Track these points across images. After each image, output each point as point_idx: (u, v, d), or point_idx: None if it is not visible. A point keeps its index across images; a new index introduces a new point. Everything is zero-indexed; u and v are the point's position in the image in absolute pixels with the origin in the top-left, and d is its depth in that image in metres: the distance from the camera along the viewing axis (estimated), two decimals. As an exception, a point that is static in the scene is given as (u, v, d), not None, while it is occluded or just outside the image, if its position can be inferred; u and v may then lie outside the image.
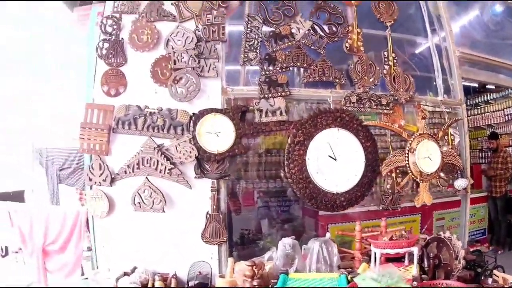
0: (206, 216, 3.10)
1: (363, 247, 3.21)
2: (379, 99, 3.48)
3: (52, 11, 4.59)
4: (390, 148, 3.61)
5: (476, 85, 7.66)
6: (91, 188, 3.18)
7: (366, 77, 3.51)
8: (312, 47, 3.42)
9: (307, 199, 3.22)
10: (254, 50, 3.28)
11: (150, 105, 3.14)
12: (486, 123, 8.39)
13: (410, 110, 3.76)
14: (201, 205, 3.13)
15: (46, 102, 4.27)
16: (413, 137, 3.48)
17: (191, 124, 3.10)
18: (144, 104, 3.14)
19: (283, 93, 3.22)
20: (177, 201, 3.14)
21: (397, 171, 3.53)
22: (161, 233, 3.13)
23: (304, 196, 3.21)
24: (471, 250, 4.29)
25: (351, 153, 3.30)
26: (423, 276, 2.64)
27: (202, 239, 3.10)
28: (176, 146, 3.07)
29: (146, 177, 3.07)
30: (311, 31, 3.42)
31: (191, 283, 2.97)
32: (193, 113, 3.12)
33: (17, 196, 4.17)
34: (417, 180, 3.51)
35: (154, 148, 3.07)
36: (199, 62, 3.16)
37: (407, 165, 3.46)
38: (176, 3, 3.29)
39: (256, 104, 3.18)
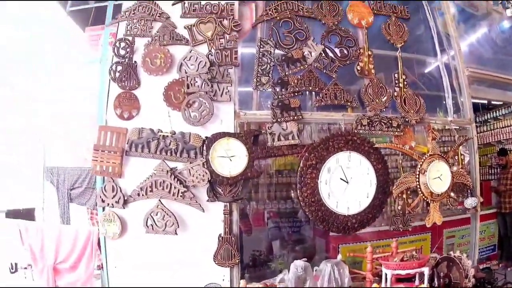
0: (219, 239, 3.12)
1: (374, 268, 3.21)
2: (390, 121, 3.49)
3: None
4: (401, 168, 3.61)
5: (485, 101, 7.64)
6: (103, 210, 3.20)
7: (377, 100, 3.52)
8: (324, 71, 3.44)
9: (319, 222, 3.23)
10: (267, 75, 3.31)
11: (163, 129, 3.16)
12: (496, 139, 8.33)
13: (420, 130, 3.78)
14: (214, 228, 3.14)
15: (57, 122, 4.31)
16: (424, 158, 3.49)
17: (204, 148, 3.13)
18: (157, 127, 3.17)
19: (295, 117, 3.24)
20: (189, 224, 3.16)
21: (408, 192, 3.53)
22: (173, 255, 3.14)
23: (316, 218, 3.22)
24: (481, 267, 4.28)
25: (363, 175, 3.32)
26: (433, 295, 2.65)
27: (215, 261, 3.11)
28: (189, 169, 3.09)
29: (159, 200, 3.09)
30: (323, 55, 3.45)
31: (203, 306, 2.97)
32: (206, 137, 3.15)
33: (28, 214, 4.19)
34: (427, 200, 3.51)
35: (167, 172, 3.09)
36: (212, 86, 3.19)
37: (418, 186, 3.47)
38: (189, 26, 3.33)
39: (269, 128, 3.20)
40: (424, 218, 3.60)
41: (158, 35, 3.34)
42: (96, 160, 3.18)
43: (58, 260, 3.51)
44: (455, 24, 4.26)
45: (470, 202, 3.85)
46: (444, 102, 4.13)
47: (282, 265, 3.60)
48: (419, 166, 3.47)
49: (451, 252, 3.18)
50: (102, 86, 3.42)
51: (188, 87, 3.18)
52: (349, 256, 3.58)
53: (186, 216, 3.14)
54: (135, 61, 3.31)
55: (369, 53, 3.59)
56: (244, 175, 3.12)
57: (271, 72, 3.33)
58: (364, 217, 3.32)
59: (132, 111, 3.25)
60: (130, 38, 3.36)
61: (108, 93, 3.32)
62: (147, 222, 3.09)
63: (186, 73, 3.23)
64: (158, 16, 3.40)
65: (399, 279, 2.96)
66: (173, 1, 3.44)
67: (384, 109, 3.56)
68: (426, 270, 2.78)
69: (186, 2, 3.43)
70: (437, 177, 3.50)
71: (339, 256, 3.36)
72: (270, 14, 3.49)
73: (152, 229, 3.08)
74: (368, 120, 3.44)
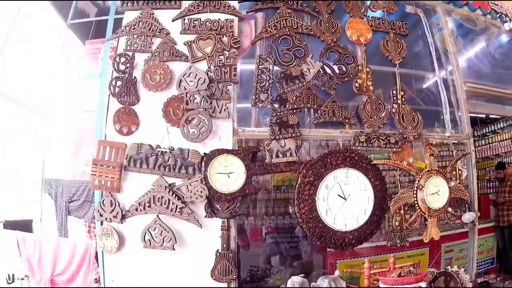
0: (216, 254, 3.11)
1: (372, 283, 3.21)
2: (388, 138, 3.50)
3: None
4: (399, 184, 3.62)
5: (483, 116, 7.66)
6: (101, 224, 3.20)
7: (375, 117, 3.54)
8: (323, 88, 3.46)
9: (316, 238, 3.23)
10: (265, 92, 3.33)
11: (162, 145, 3.18)
12: (494, 153, 8.32)
13: (418, 145, 3.79)
14: (211, 243, 3.14)
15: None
16: (422, 173, 3.50)
17: (203, 164, 3.14)
18: (156, 143, 3.18)
19: (293, 134, 3.25)
20: (187, 239, 3.16)
21: (406, 207, 3.54)
22: (171, 270, 3.13)
23: (314, 235, 3.22)
24: (479, 281, 4.28)
25: (361, 192, 3.32)
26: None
27: (212, 276, 3.10)
28: (187, 185, 3.10)
29: (157, 215, 3.09)
30: (321, 72, 3.47)
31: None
32: (205, 153, 3.16)
33: (26, 225, 4.18)
34: (425, 215, 3.51)
35: (166, 187, 3.10)
36: (211, 103, 3.21)
37: (416, 202, 3.48)
38: (189, 43, 3.35)
39: (267, 145, 3.22)
40: (422, 233, 3.60)
41: (158, 51, 3.37)
42: (95, 175, 3.19)
43: (55, 272, 3.53)
44: (454, 39, 4.29)
45: (468, 217, 3.86)
46: (442, 117, 4.16)
47: (280, 281, 3.60)
48: (416, 182, 3.47)
49: (449, 267, 3.19)
50: (102, 100, 3.45)
51: (187, 104, 3.20)
52: (346, 271, 3.58)
53: (184, 231, 3.14)
54: (134, 77, 3.33)
55: (368, 69, 3.61)
56: (242, 191, 3.12)
57: (270, 89, 3.35)
58: (361, 233, 3.32)
59: (131, 126, 3.27)
60: (130, 54, 3.39)
61: (108, 108, 3.34)
62: (145, 237, 3.09)
63: (185, 89, 3.25)
64: (158, 32, 3.43)
65: (396, 295, 2.97)
66: (173, 17, 3.47)
67: (382, 126, 3.57)
68: (423, 285, 2.78)
69: (186, 18, 3.46)
70: (435, 192, 3.50)
71: (337, 272, 3.35)
72: (270, 31, 3.52)
73: (150, 244, 3.08)
74: (366, 137, 3.45)
